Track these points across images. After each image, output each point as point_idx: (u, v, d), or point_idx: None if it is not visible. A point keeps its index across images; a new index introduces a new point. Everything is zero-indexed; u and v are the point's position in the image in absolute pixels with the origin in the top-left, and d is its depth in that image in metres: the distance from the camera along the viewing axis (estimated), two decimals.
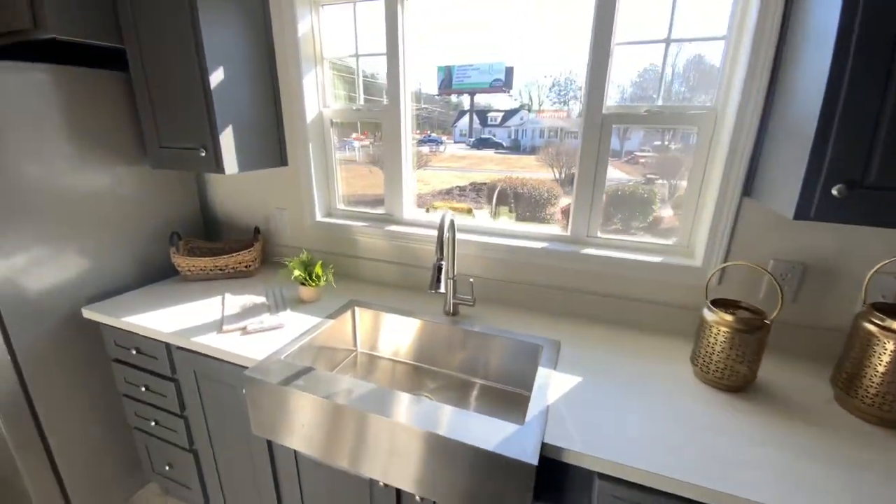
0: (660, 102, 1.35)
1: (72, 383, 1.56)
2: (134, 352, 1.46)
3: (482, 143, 1.69)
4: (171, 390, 1.44)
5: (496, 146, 1.68)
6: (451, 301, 1.48)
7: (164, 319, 1.43)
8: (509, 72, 1.45)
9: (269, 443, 1.31)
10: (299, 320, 1.43)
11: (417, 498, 1.08)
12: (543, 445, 0.91)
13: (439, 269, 1.18)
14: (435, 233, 1.61)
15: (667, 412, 1.02)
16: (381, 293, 1.67)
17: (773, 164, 1.07)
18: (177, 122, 1.50)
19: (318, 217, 1.83)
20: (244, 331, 1.35)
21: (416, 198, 1.78)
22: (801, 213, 0.92)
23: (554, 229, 1.59)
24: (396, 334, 1.53)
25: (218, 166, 1.49)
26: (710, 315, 1.13)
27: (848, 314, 1.20)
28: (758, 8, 1.09)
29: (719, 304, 1.18)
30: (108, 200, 1.61)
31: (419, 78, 1.60)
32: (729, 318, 1.09)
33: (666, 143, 1.41)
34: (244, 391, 1.16)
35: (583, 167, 1.44)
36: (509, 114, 1.63)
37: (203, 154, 1.47)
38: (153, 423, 1.55)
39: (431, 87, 1.60)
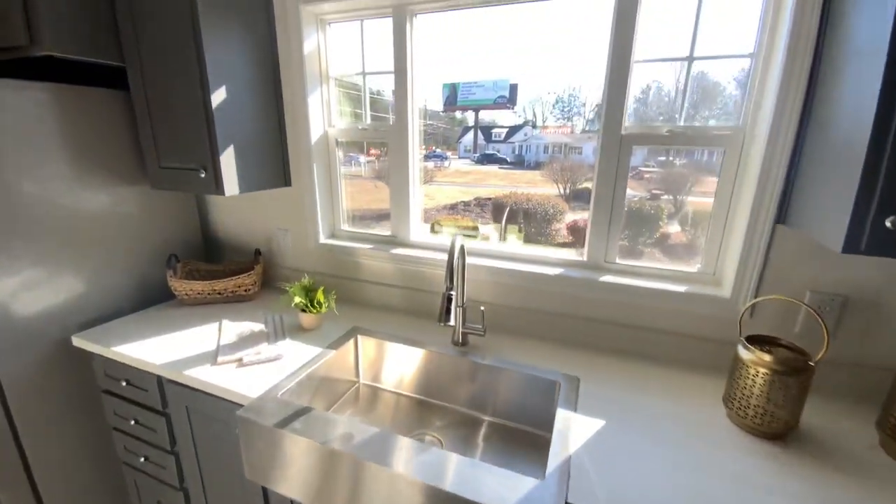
0: (682, 123, 1.28)
1: (60, 415, 1.48)
2: (124, 383, 1.38)
3: (487, 159, 1.69)
4: (162, 425, 1.35)
5: (500, 161, 1.69)
6: (461, 330, 1.39)
7: (157, 348, 1.35)
8: (513, 88, 1.45)
9: (265, 487, 1.21)
10: (299, 350, 1.34)
11: None
12: None
13: (449, 299, 1.10)
14: (442, 256, 1.54)
15: (701, 463, 0.91)
16: (386, 319, 1.59)
17: (813, 190, 0.99)
18: (177, 141, 1.45)
19: (322, 239, 1.76)
20: (240, 363, 1.26)
21: (422, 213, 1.71)
22: (851, 247, 0.83)
23: (569, 254, 1.50)
24: (401, 365, 1.43)
25: (218, 188, 1.43)
26: (746, 354, 1.03)
27: (895, 352, 1.10)
28: (790, 25, 1.02)
29: (755, 340, 1.08)
30: (106, 221, 1.55)
31: (425, 94, 1.57)
32: (768, 358, 0.99)
33: (671, 158, 1.38)
34: (237, 431, 1.07)
35: (599, 190, 1.36)
36: (513, 130, 1.63)
37: (203, 175, 1.41)
38: (143, 459, 1.46)
39: (436, 104, 1.58)
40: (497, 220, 1.76)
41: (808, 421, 1.04)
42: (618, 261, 1.41)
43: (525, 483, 0.85)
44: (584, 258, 1.45)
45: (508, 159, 1.68)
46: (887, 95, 0.75)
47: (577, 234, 1.61)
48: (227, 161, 1.43)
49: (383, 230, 1.76)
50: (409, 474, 0.87)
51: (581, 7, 1.30)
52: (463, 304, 1.37)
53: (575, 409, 1.08)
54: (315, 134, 1.66)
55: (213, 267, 1.84)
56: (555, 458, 0.91)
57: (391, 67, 1.52)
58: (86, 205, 1.49)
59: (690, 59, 1.24)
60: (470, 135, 1.69)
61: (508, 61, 1.44)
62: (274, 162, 1.65)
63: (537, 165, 1.64)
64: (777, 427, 1.00)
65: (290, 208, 1.78)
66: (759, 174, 1.12)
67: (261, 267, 1.75)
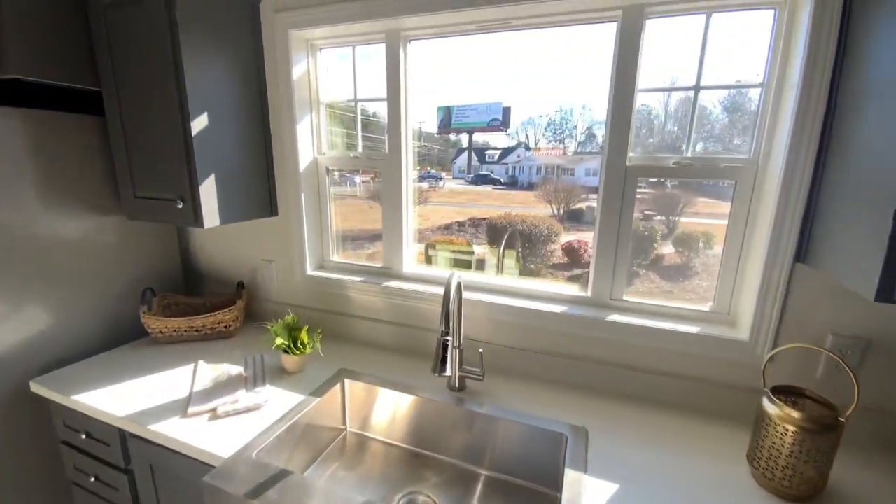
0: (689, 154, 1.22)
1: (18, 467, 1.34)
2: (84, 436, 1.24)
3: (481, 179, 1.70)
4: (124, 483, 1.22)
5: (494, 182, 1.70)
6: (457, 374, 1.28)
7: (122, 395, 1.22)
8: (506, 111, 1.45)
9: None
10: (280, 398, 1.23)
11: None
12: None
13: (444, 346, 1.00)
14: (437, 290, 1.45)
15: None
16: (376, 359, 1.48)
17: (835, 229, 0.91)
18: (154, 170, 1.36)
19: (309, 271, 1.66)
20: (214, 414, 1.14)
21: (416, 233, 1.64)
22: (884, 296, 0.75)
23: (572, 289, 1.41)
24: (392, 412, 1.32)
25: (196, 220, 1.33)
26: (772, 408, 0.94)
27: None
28: (804, 55, 0.96)
29: (779, 391, 0.99)
30: (76, 253, 1.45)
31: (420, 117, 1.53)
32: (797, 415, 0.90)
33: (662, 180, 1.35)
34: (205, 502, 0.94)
35: (604, 223, 1.29)
36: (507, 151, 1.65)
37: (181, 206, 1.32)
38: None
39: (431, 126, 1.56)
40: (492, 241, 1.73)
41: (835, 478, 0.94)
42: (625, 298, 1.33)
43: None
44: (589, 294, 1.36)
45: (502, 180, 1.68)
46: None
47: (571, 255, 1.62)
48: (208, 191, 1.34)
49: (375, 261, 1.67)
50: None
51: (572, 34, 1.28)
52: (460, 345, 1.27)
53: (585, 470, 0.97)
54: (304, 162, 1.58)
55: (193, 300, 1.73)
56: None
57: (384, 91, 1.46)
58: (54, 235, 1.38)
59: (697, 88, 1.18)
60: (464, 156, 1.69)
61: (501, 85, 1.43)
62: (259, 191, 1.56)
63: (531, 186, 1.65)
64: (806, 489, 0.90)
65: (276, 239, 1.68)
66: (775, 210, 1.05)
67: (243, 301, 1.64)
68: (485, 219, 1.70)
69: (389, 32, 1.40)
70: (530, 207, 1.65)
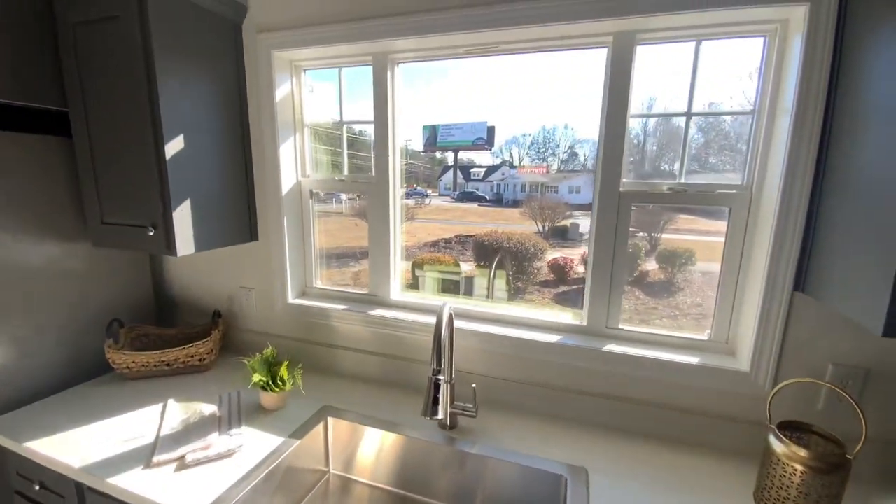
0: (683, 179, 1.20)
1: None
2: (38, 486, 1.12)
3: (466, 197, 1.72)
4: None
5: (480, 199, 1.72)
6: (448, 411, 1.21)
7: (82, 441, 1.11)
8: (491, 131, 1.47)
9: None
10: (257, 441, 1.13)
11: None
12: None
13: (436, 386, 0.93)
14: (427, 319, 1.38)
15: None
16: (361, 393, 1.40)
17: (836, 259, 0.89)
18: (123, 195, 1.28)
19: (291, 298, 1.58)
20: (182, 462, 1.04)
21: (403, 250, 1.58)
22: (892, 330, 0.72)
23: (566, 317, 1.37)
24: (379, 452, 1.24)
25: (169, 247, 1.25)
26: (779, 446, 0.89)
27: None
28: (797, 83, 0.96)
29: (784, 426, 0.95)
30: (36, 281, 1.34)
31: (405, 135, 1.51)
32: (804, 453, 0.86)
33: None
34: None
35: (598, 250, 1.25)
36: (491, 169, 1.68)
37: (152, 233, 1.24)
38: None
39: (417, 144, 1.55)
40: (479, 258, 1.73)
41: None
42: (621, 326, 1.29)
43: None
44: (584, 323, 1.32)
45: (487, 197, 1.71)
46: None
47: (558, 272, 1.64)
48: (182, 217, 1.26)
49: (361, 279, 1.60)
50: None
51: (557, 57, 1.28)
52: (451, 379, 1.21)
53: None
54: (287, 185, 1.52)
55: (165, 331, 1.62)
56: None
57: (370, 111, 1.42)
58: (12, 262, 1.28)
59: (689, 114, 1.18)
60: (450, 174, 1.70)
61: (486, 105, 1.44)
62: (238, 216, 1.49)
63: (516, 203, 1.66)
64: None
65: (256, 265, 1.60)
66: (773, 238, 1.03)
67: (219, 332, 1.54)
68: (471, 236, 1.71)
69: (377, 55, 1.37)
70: (516, 224, 1.66)
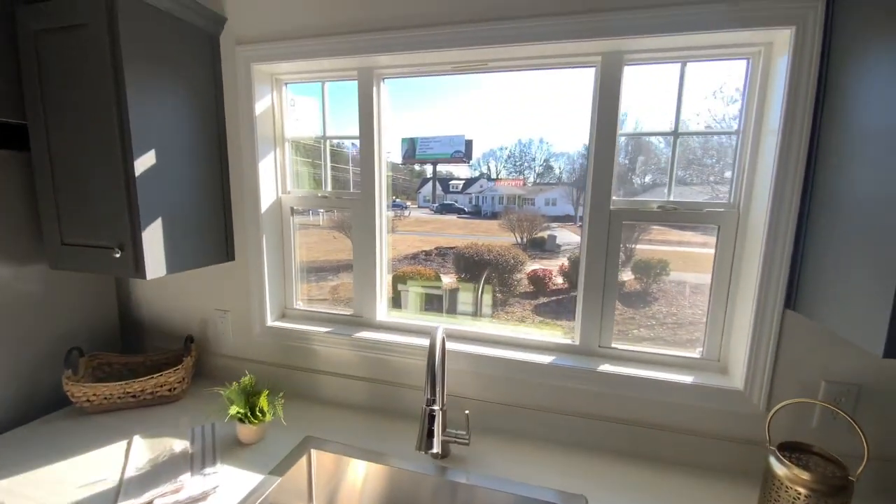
0: (672, 197, 1.21)
1: None
2: None
3: (445, 209, 1.73)
4: None
5: (459, 211, 1.74)
6: (440, 439, 1.15)
7: (36, 486, 1.00)
8: (468, 144, 1.49)
9: None
10: (234, 479, 1.04)
11: None
12: None
13: (431, 417, 0.88)
14: (416, 342, 1.33)
15: None
16: (347, 421, 1.32)
17: (830, 280, 0.89)
18: (87, 214, 1.18)
19: (270, 321, 1.50)
20: None
21: (390, 269, 1.53)
22: (893, 351, 0.72)
23: (559, 337, 1.34)
24: (366, 485, 1.16)
25: (138, 270, 1.16)
26: (780, 469, 0.88)
27: None
28: (783, 103, 0.97)
29: (784, 447, 0.94)
30: None
31: (384, 148, 1.47)
32: (806, 476, 0.85)
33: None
34: None
35: (589, 269, 1.24)
36: (470, 181, 1.71)
37: (118, 255, 1.14)
38: None
39: (395, 156, 1.54)
40: (460, 271, 1.72)
41: None
42: (613, 345, 1.27)
43: None
44: (577, 342, 1.29)
45: (466, 209, 1.73)
46: None
47: (537, 284, 1.66)
48: (153, 237, 1.18)
49: (339, 294, 1.54)
50: None
51: (531, 76, 1.30)
52: (443, 406, 1.15)
53: None
54: (266, 202, 1.45)
55: (131, 359, 1.50)
56: None
57: (353, 125, 1.38)
58: None
59: (676, 133, 1.19)
60: (429, 186, 1.72)
61: (464, 118, 1.46)
62: (214, 234, 1.40)
63: (494, 215, 1.69)
64: None
65: (233, 286, 1.51)
66: (762, 256, 1.04)
67: (191, 359, 1.44)
68: (452, 248, 1.72)
69: (362, 70, 1.33)
70: (495, 236, 1.69)
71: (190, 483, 1.01)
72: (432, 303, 1.77)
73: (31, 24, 1.13)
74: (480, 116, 1.43)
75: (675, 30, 1.02)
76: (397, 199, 1.65)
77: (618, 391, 1.19)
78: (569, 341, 1.32)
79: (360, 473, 1.16)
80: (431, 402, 0.90)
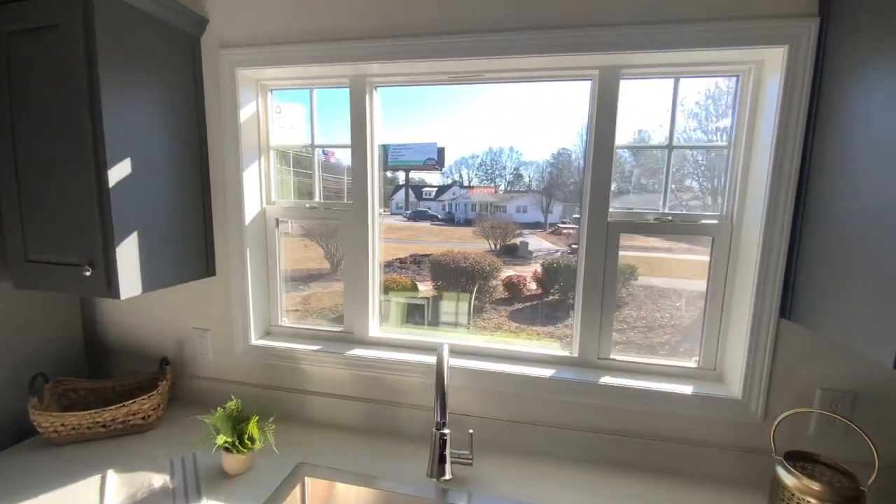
0: (666, 209, 1.22)
1: None
2: None
3: (418, 216, 1.74)
4: None
5: (432, 218, 1.74)
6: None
7: None
8: (440, 151, 1.50)
9: None
10: None
11: None
12: None
13: (443, 442, 0.84)
14: (412, 357, 1.28)
15: None
16: (340, 444, 1.26)
17: (832, 291, 0.91)
18: (55, 228, 1.08)
19: (254, 340, 1.42)
20: None
21: (381, 284, 1.48)
22: None
23: (557, 349, 1.33)
24: None
25: (110, 289, 1.07)
26: (789, 479, 0.89)
27: None
28: (776, 119, 1.00)
29: (789, 457, 0.95)
30: None
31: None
32: (817, 486, 0.86)
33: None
34: None
35: (588, 281, 1.23)
36: (442, 189, 1.71)
37: (89, 273, 1.05)
38: None
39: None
40: (436, 279, 1.72)
41: None
42: (612, 356, 1.26)
43: None
44: (575, 354, 1.28)
45: (439, 216, 1.73)
46: None
47: (512, 290, 1.68)
48: (127, 253, 1.09)
49: (311, 304, 1.48)
50: None
51: (503, 90, 1.34)
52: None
53: None
54: (250, 213, 1.37)
55: (99, 384, 1.38)
56: None
57: (338, 131, 1.34)
58: None
59: (670, 147, 1.20)
60: (401, 192, 1.71)
61: (436, 126, 1.46)
62: (194, 249, 1.32)
63: (467, 222, 1.72)
64: None
65: (213, 302, 1.42)
66: (758, 267, 1.06)
67: (167, 384, 1.34)
68: (427, 255, 1.72)
69: (354, 77, 1.29)
70: (469, 243, 1.71)
71: None
72: (413, 314, 1.74)
73: (1, 26, 1.03)
74: (452, 124, 1.44)
75: (670, 46, 1.04)
76: None
77: (619, 403, 1.18)
78: (567, 353, 1.31)
79: (359, 500, 1.10)
80: (442, 425, 0.86)
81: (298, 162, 1.48)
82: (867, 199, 0.81)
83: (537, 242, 1.69)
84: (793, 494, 0.87)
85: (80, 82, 0.99)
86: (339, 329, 1.45)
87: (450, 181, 1.67)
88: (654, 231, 1.22)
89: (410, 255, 1.76)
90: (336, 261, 1.59)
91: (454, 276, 1.69)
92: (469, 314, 1.69)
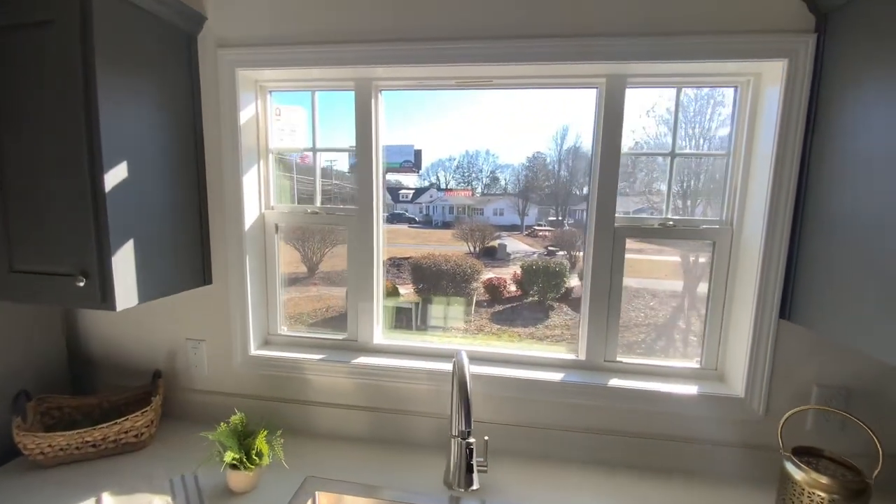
0: (669, 215, 1.26)
1: None
2: None
3: (396, 218, 1.71)
4: None
5: (410, 221, 1.74)
6: (454, 468, 1.10)
7: None
8: (417, 154, 1.49)
9: None
10: None
11: None
12: None
13: (469, 451, 0.83)
14: (420, 364, 1.27)
15: None
16: (348, 456, 1.23)
17: (832, 293, 0.94)
18: (44, 236, 1.01)
19: (253, 350, 1.36)
20: None
21: (336, 276, 1.49)
22: None
23: (561, 352, 1.34)
24: None
25: (106, 300, 1.01)
26: (798, 474, 0.93)
27: None
28: (776, 128, 1.05)
29: (795, 452, 0.99)
30: None
31: (330, 156, 1.47)
32: (825, 479, 0.89)
33: (560, 218, 1.56)
34: None
35: (595, 284, 1.25)
36: (419, 191, 1.70)
37: (82, 283, 0.98)
38: None
39: (342, 165, 1.51)
40: (417, 282, 1.70)
41: None
42: (618, 359, 1.29)
43: None
44: (582, 357, 1.30)
45: (417, 219, 1.73)
46: None
47: (492, 292, 1.69)
48: (123, 262, 1.03)
49: (294, 323, 1.45)
50: None
51: (480, 95, 1.35)
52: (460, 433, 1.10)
53: None
54: (249, 218, 1.33)
55: (84, 401, 1.30)
56: None
57: (336, 134, 1.33)
58: None
59: (673, 154, 1.24)
60: None
61: (414, 129, 1.45)
62: (190, 256, 1.26)
63: (445, 225, 1.72)
64: None
65: (209, 312, 1.36)
66: (759, 271, 1.10)
67: (160, 399, 1.27)
68: (407, 258, 1.70)
69: (359, 80, 1.27)
70: (447, 245, 1.70)
71: None
72: (401, 319, 1.72)
73: None
74: (429, 127, 1.44)
75: (673, 57, 1.07)
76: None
77: (627, 405, 1.20)
78: (573, 356, 1.32)
79: None
80: (467, 434, 0.85)
81: (281, 165, 1.43)
82: (865, 205, 0.86)
83: (514, 245, 1.72)
84: (802, 489, 0.91)
85: (75, 81, 0.93)
86: (341, 337, 1.42)
87: (427, 184, 1.67)
88: (659, 236, 1.25)
89: (389, 259, 1.71)
90: (313, 265, 1.55)
91: (436, 279, 1.68)
92: (470, 317, 1.69)
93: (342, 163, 1.49)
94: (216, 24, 1.23)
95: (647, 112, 1.26)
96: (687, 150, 1.26)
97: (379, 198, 1.34)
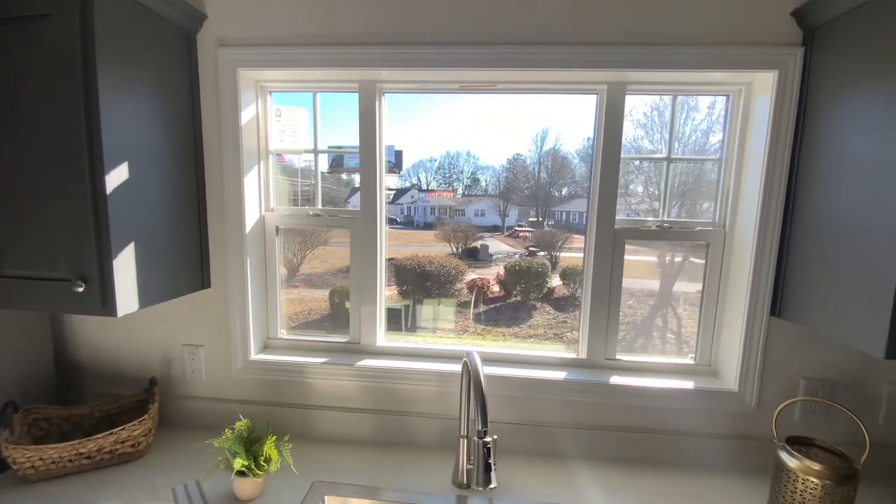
0: (666, 217, 1.31)
1: None
2: None
3: None
4: None
5: (391, 222, 1.67)
6: (466, 467, 1.11)
7: None
8: (398, 154, 1.47)
9: None
10: None
11: None
12: None
13: (487, 450, 0.84)
14: (425, 366, 1.28)
15: None
16: (354, 459, 1.22)
17: (821, 291, 1.01)
18: (39, 240, 0.96)
19: (253, 354, 1.34)
20: None
21: (317, 278, 1.50)
22: (893, 353, 0.84)
23: (563, 351, 1.37)
24: None
25: (106, 306, 0.97)
26: (791, 461, 0.98)
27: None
28: (767, 136, 1.11)
29: (788, 442, 1.05)
30: None
31: (308, 156, 1.42)
32: (817, 466, 0.95)
33: (539, 219, 1.59)
34: None
35: (596, 285, 1.29)
36: (401, 192, 1.70)
37: (81, 288, 0.95)
38: None
39: (321, 164, 1.47)
40: (402, 283, 1.68)
41: None
42: (618, 357, 1.33)
43: None
44: (583, 356, 1.33)
45: (398, 220, 1.72)
46: None
47: (476, 293, 1.69)
48: (124, 266, 0.99)
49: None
50: None
51: (459, 98, 1.37)
52: (468, 433, 1.11)
53: None
54: (250, 221, 1.30)
55: (74, 411, 1.24)
56: None
57: (338, 137, 1.32)
58: None
59: (669, 159, 1.29)
60: (357, 196, 1.64)
61: (393, 130, 1.42)
62: (189, 260, 1.23)
63: (427, 226, 1.71)
64: None
65: (207, 316, 1.33)
66: (751, 271, 1.16)
67: (156, 407, 1.23)
68: (390, 259, 1.64)
69: (363, 83, 1.27)
70: (429, 246, 1.69)
71: None
72: (392, 320, 1.72)
73: None
74: (410, 128, 1.43)
75: (670, 67, 1.12)
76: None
77: (628, 401, 1.24)
78: (573, 355, 1.35)
79: None
80: (484, 433, 0.86)
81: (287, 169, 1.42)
82: (851, 207, 0.92)
83: (496, 245, 1.73)
84: (797, 476, 0.96)
85: (74, 80, 0.90)
86: (343, 339, 1.41)
87: (408, 184, 1.67)
88: (656, 238, 1.30)
89: None
90: (294, 267, 1.53)
91: (420, 280, 1.68)
92: (459, 317, 1.69)
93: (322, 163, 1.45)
94: (216, 23, 1.21)
95: (625, 116, 1.29)
96: (683, 156, 1.31)
97: (382, 200, 1.34)
